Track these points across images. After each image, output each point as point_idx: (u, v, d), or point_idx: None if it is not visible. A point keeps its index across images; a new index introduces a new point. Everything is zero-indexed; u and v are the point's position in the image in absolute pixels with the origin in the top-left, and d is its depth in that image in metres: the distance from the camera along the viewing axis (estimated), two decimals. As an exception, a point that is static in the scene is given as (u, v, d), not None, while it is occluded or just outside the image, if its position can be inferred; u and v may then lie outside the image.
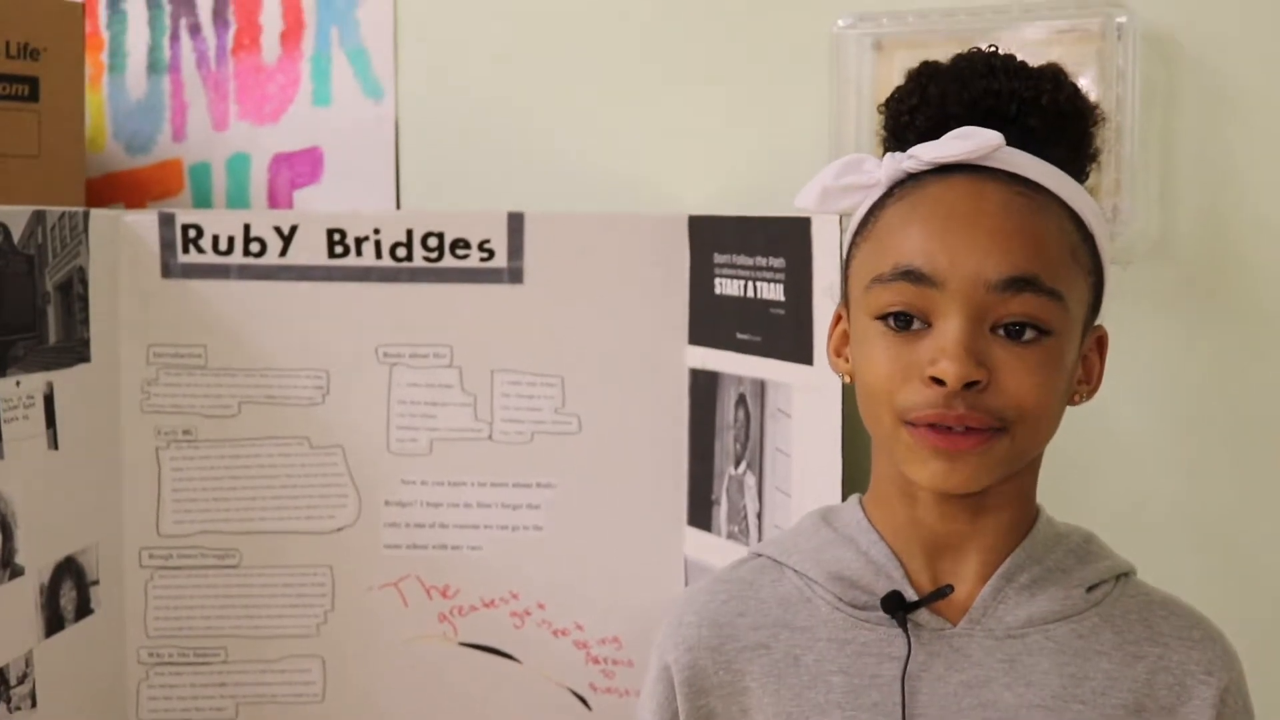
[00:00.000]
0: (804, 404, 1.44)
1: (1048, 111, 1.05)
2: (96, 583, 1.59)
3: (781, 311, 1.47)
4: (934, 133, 1.04)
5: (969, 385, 0.97)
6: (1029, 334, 0.99)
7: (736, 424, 1.54)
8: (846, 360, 1.09)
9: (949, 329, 0.98)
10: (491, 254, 1.61)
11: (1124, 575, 1.09)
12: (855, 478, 1.37)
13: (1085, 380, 1.07)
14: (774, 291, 1.47)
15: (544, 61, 1.73)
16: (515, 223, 1.61)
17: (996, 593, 1.06)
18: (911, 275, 0.99)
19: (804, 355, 1.43)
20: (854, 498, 1.13)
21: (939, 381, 0.97)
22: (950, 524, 1.06)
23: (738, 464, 1.54)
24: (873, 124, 1.50)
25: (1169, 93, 1.44)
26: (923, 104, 1.06)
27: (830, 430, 1.39)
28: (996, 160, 1.02)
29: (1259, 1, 1.42)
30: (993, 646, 1.05)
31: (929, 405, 0.98)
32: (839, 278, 1.13)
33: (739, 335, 1.53)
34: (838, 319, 1.12)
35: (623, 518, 1.62)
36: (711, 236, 1.57)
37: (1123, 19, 1.40)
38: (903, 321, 1.00)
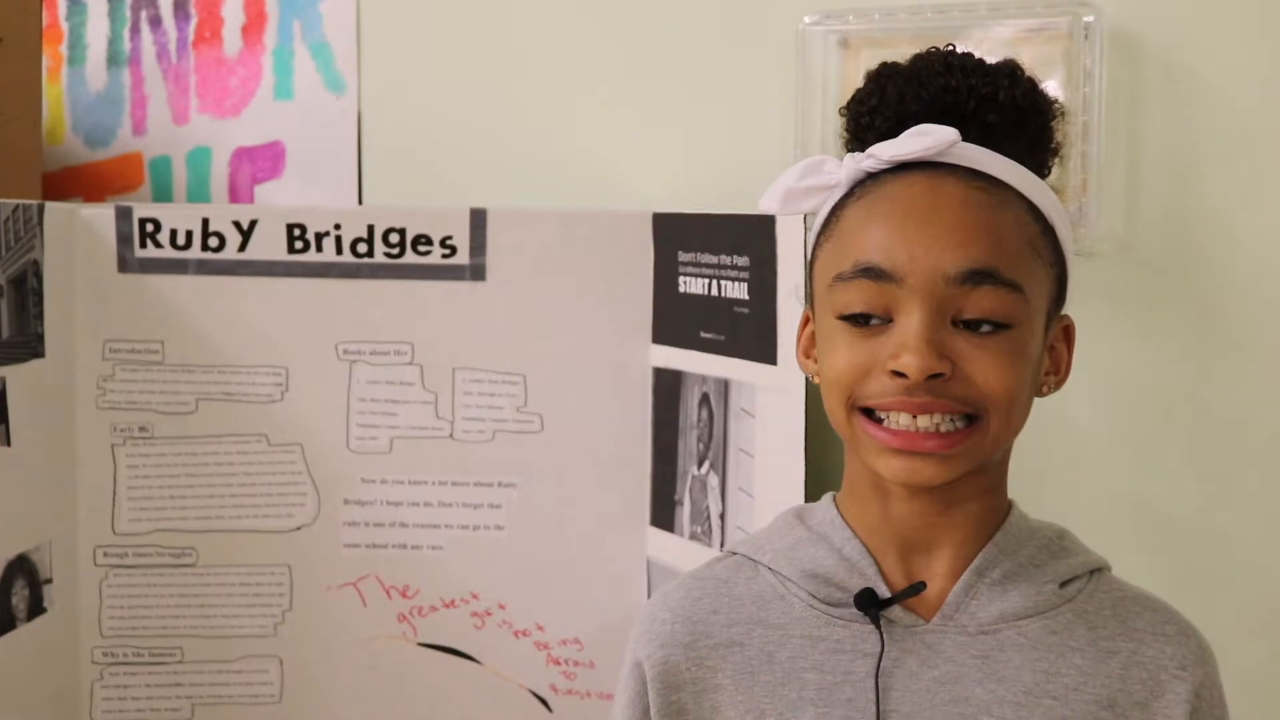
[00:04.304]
0: (767, 404, 1.43)
1: (1005, 107, 1.05)
2: (50, 581, 1.57)
3: (746, 310, 1.46)
4: (894, 133, 1.05)
5: (933, 377, 0.97)
6: (989, 326, 0.99)
7: (700, 424, 1.53)
8: (815, 361, 1.09)
9: (910, 323, 0.98)
10: (454, 250, 1.60)
11: (1097, 570, 1.09)
12: (818, 478, 1.37)
13: (1053, 371, 1.07)
14: (738, 290, 1.46)
15: (508, 57, 1.72)
16: (478, 219, 1.59)
17: (969, 588, 1.05)
18: (871, 272, 1.00)
19: (768, 355, 1.42)
20: (827, 496, 1.13)
21: (901, 375, 0.98)
22: (922, 518, 1.06)
23: (701, 464, 1.53)
24: (838, 121, 1.50)
25: (1135, 92, 1.44)
26: (881, 104, 1.07)
27: (794, 431, 1.39)
28: (953, 156, 1.02)
29: (1225, 2, 1.41)
30: (966, 643, 1.05)
31: (891, 394, 0.99)
32: (804, 279, 1.12)
33: (703, 334, 1.52)
34: (806, 321, 1.12)
35: (585, 518, 1.61)
36: (676, 234, 1.55)
37: (1090, 19, 1.40)
38: (864, 319, 1.01)
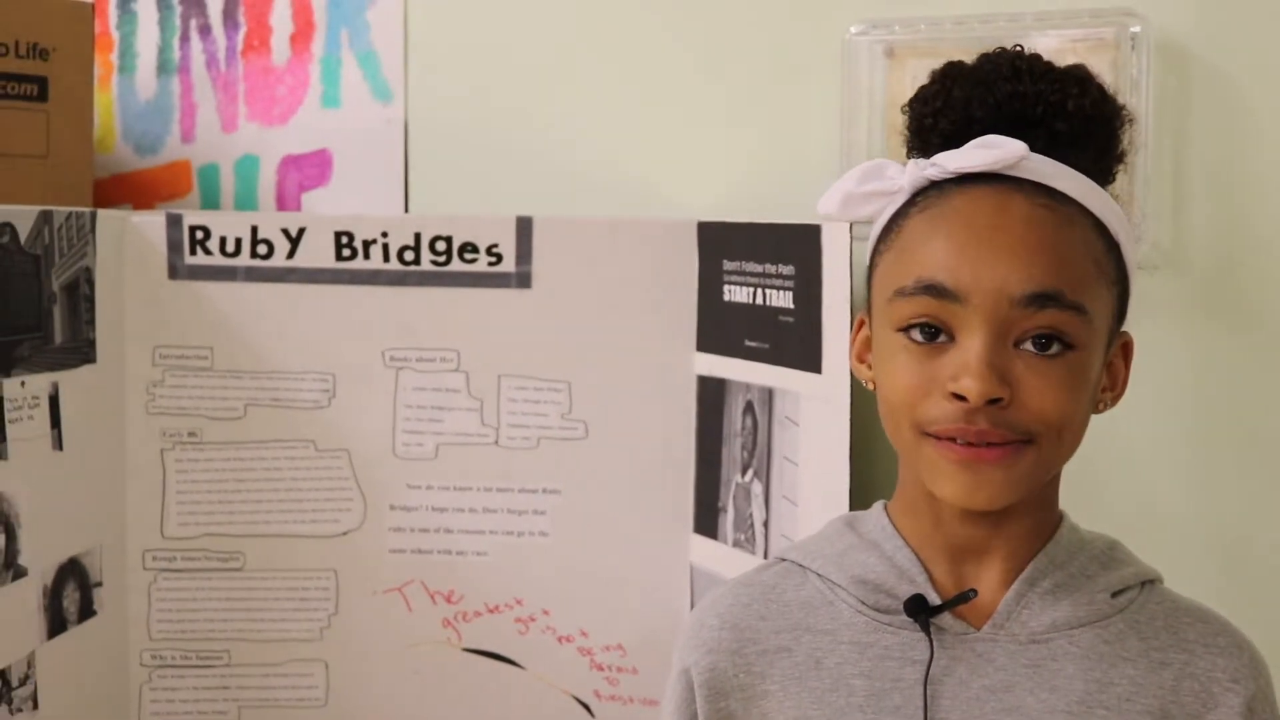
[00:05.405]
0: (812, 412, 1.43)
1: (1074, 116, 1.03)
2: (100, 584, 1.58)
3: (790, 319, 1.46)
4: (957, 136, 1.03)
5: (991, 402, 0.97)
6: (1053, 349, 0.98)
7: (744, 431, 1.53)
8: (869, 367, 1.09)
9: (972, 345, 0.97)
10: (500, 258, 1.60)
11: (1149, 582, 1.09)
12: (863, 487, 1.36)
13: (1110, 387, 1.06)
14: (783, 299, 1.47)
15: (554, 66, 1.72)
16: (524, 227, 1.60)
17: (1020, 597, 1.05)
18: (934, 289, 0.99)
19: (812, 363, 1.43)
20: (878, 504, 1.13)
21: (961, 398, 0.97)
22: (974, 532, 1.05)
23: (745, 472, 1.53)
24: (884, 131, 1.51)
25: (1183, 102, 1.43)
26: (947, 107, 1.05)
27: (838, 439, 1.39)
28: (1021, 169, 1.01)
29: (1273, 11, 1.41)
30: (1017, 651, 1.04)
31: (950, 420, 0.98)
32: (862, 284, 1.12)
33: (747, 342, 1.52)
34: (860, 324, 1.11)
35: (629, 524, 1.61)
36: (721, 243, 1.56)
37: (1137, 28, 1.40)
38: (926, 334, 1.00)
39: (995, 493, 0.99)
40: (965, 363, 0.97)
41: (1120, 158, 1.08)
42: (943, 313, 0.99)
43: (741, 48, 1.63)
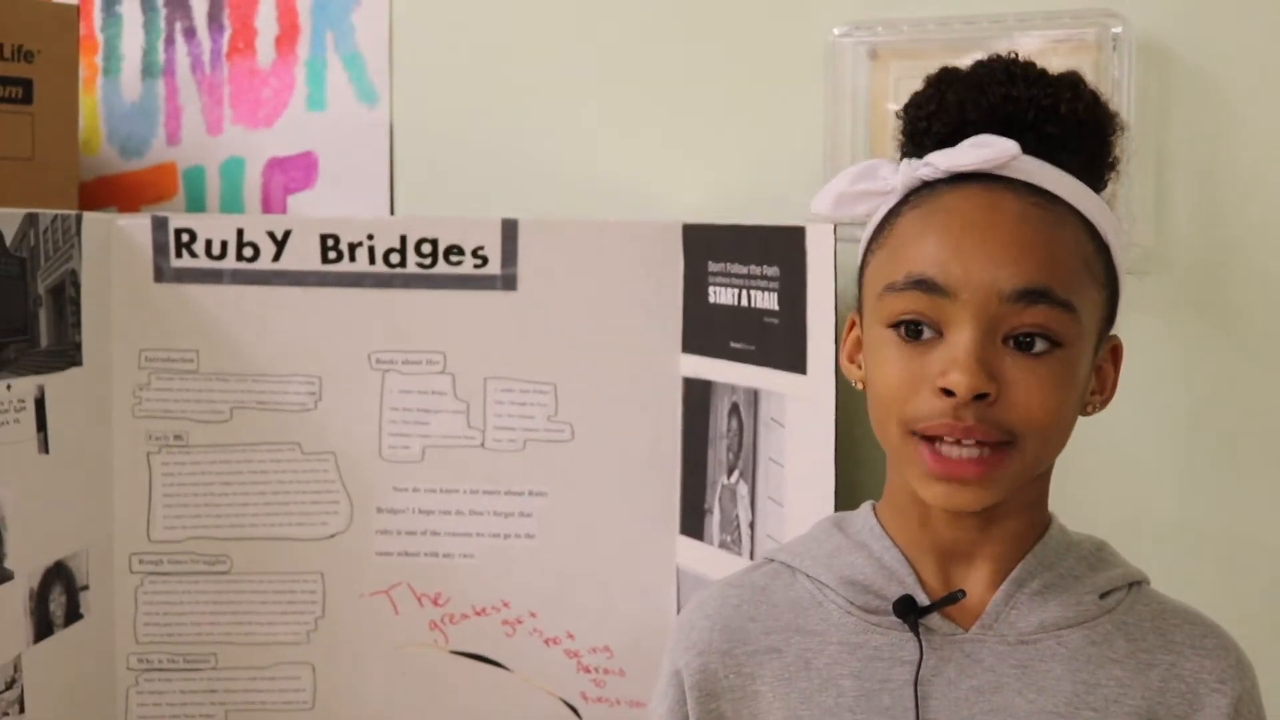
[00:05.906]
0: (797, 413, 1.44)
1: (1066, 120, 1.04)
2: (86, 588, 1.58)
3: (775, 320, 1.46)
4: (951, 139, 1.04)
5: (979, 397, 0.97)
6: (1040, 346, 0.98)
7: (730, 433, 1.54)
8: (859, 367, 1.09)
9: (960, 340, 0.98)
10: (485, 261, 1.61)
11: (1137, 584, 1.09)
12: (849, 488, 1.37)
13: (1099, 390, 1.07)
14: (768, 300, 1.47)
15: (539, 68, 1.73)
16: (509, 229, 1.60)
17: (1008, 598, 1.05)
18: (924, 284, 0.99)
19: (798, 364, 1.43)
20: (866, 504, 1.13)
21: (949, 392, 0.97)
22: (962, 533, 1.06)
23: (730, 473, 1.54)
24: (868, 132, 1.51)
25: (1164, 103, 1.43)
26: (941, 110, 1.06)
27: (824, 440, 1.39)
28: (1013, 169, 1.01)
29: (1255, 12, 1.41)
30: (1005, 652, 1.05)
31: (938, 415, 0.98)
32: (846, 285, 1.12)
33: (733, 344, 1.52)
34: (851, 325, 1.12)
35: (615, 526, 1.61)
36: (706, 245, 1.56)
37: (1118, 29, 1.40)
38: (914, 330, 1.00)
39: (975, 496, 1.00)
40: (954, 357, 0.97)
41: (1112, 165, 1.09)
42: (932, 308, 0.99)
43: (725, 50, 1.64)
